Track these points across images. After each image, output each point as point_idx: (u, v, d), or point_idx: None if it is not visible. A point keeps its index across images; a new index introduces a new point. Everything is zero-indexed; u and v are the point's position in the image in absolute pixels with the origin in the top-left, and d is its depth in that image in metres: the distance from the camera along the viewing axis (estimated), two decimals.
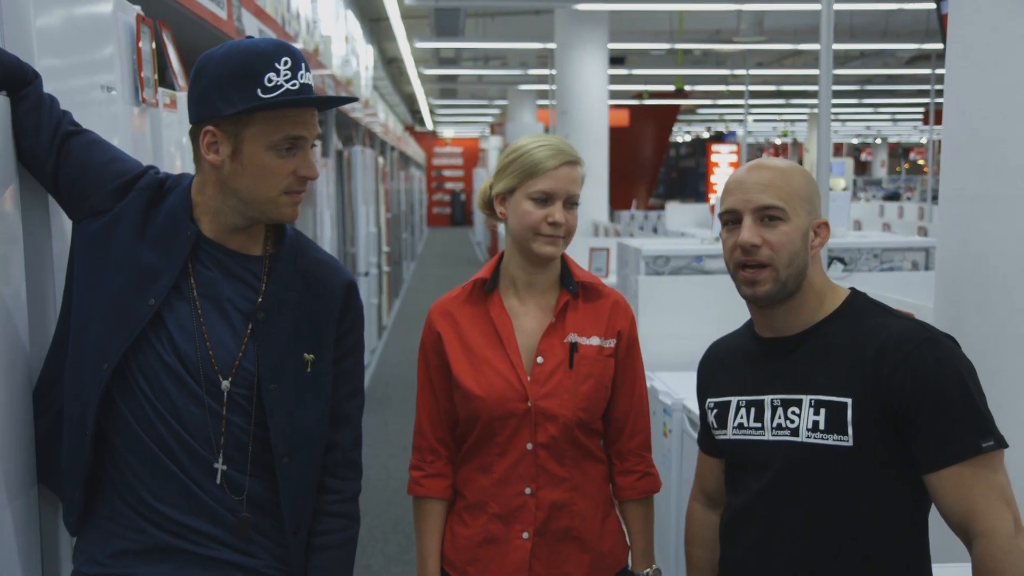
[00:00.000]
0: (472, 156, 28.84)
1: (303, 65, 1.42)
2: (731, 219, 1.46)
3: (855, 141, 30.55)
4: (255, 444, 1.45)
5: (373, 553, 4.09)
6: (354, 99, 1.68)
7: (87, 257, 1.45)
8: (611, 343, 1.74)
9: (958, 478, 1.29)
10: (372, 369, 7.92)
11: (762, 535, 1.43)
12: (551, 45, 9.42)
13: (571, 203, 1.70)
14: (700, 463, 1.65)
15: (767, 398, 1.44)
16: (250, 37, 2.30)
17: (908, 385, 1.32)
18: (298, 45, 4.71)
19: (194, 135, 1.45)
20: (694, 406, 2.76)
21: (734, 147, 20.19)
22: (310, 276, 1.52)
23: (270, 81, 1.38)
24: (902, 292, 2.48)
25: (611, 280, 4.78)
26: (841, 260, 3.80)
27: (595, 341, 1.72)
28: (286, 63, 1.39)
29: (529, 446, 1.69)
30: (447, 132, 29.46)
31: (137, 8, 2.06)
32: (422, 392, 1.80)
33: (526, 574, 1.70)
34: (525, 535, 1.70)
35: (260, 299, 1.46)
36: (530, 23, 11.36)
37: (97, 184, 1.47)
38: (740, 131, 21.24)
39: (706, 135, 27.74)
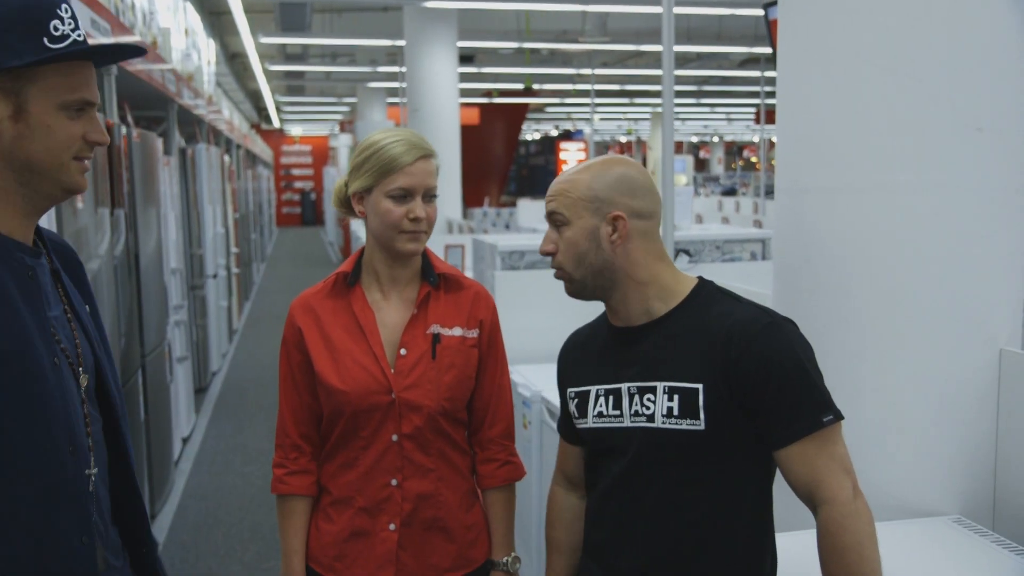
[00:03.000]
0: (322, 154, 28.26)
1: (75, 19, 1.26)
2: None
3: (694, 139, 32.02)
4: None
5: (231, 563, 3.96)
6: (142, 52, 1.42)
7: None
8: (474, 333, 1.76)
9: (803, 452, 1.38)
10: (223, 373, 7.64)
11: (622, 517, 1.49)
12: (400, 42, 9.37)
13: (430, 196, 1.71)
14: (560, 450, 1.70)
15: (624, 386, 1.49)
16: None
17: (753, 368, 1.38)
18: (134, 37, 4.48)
19: None
20: (553, 397, 2.84)
21: (582, 145, 20.77)
22: (49, 238, 1.39)
23: (56, 29, 1.21)
24: (743, 281, 2.64)
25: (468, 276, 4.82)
26: (687, 252, 3.99)
27: (457, 332, 1.74)
28: (67, 10, 1.23)
29: (394, 438, 1.69)
30: (295, 130, 28.71)
31: None
32: (284, 389, 1.78)
33: (393, 566, 1.71)
34: (392, 526, 1.70)
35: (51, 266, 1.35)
36: (379, 20, 11.26)
37: None
38: (587, 129, 21.83)
39: (555, 133, 28.32)
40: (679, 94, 18.22)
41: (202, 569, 3.91)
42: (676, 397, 1.42)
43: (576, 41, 11.01)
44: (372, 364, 1.69)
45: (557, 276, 1.54)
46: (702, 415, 1.40)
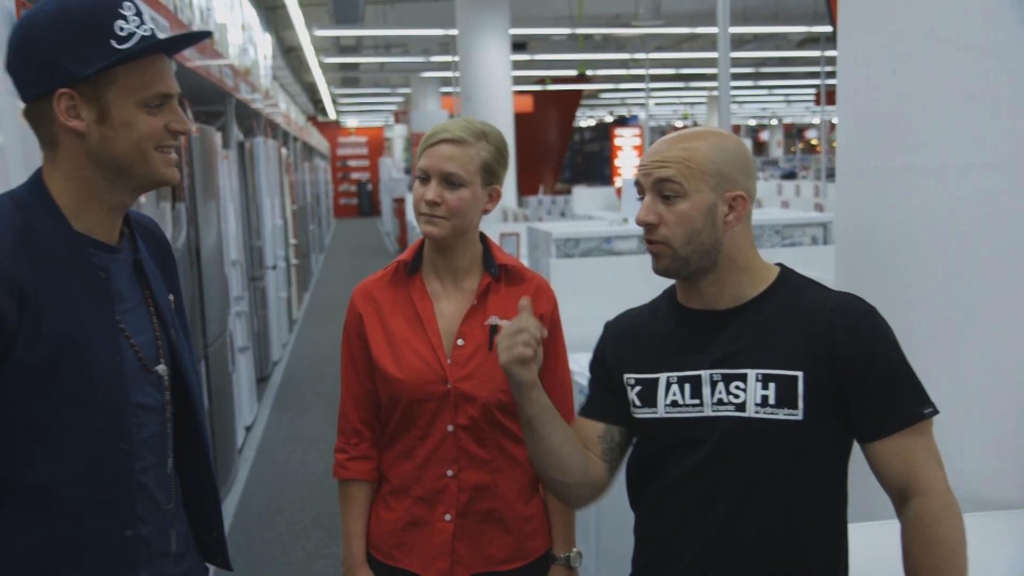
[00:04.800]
0: (377, 145, 28.50)
1: (142, 14, 1.28)
2: (640, 191, 1.44)
3: (752, 122, 31.47)
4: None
5: (294, 550, 4.03)
6: (207, 34, 1.46)
7: None
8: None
9: (901, 444, 1.34)
10: (284, 363, 7.78)
11: (691, 509, 1.42)
12: (453, 31, 9.37)
13: (448, 181, 1.67)
14: (575, 428, 1.56)
15: (704, 373, 1.40)
16: None
17: (857, 355, 1.34)
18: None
19: (39, 112, 1.26)
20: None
21: (637, 130, 20.53)
22: (139, 227, 1.44)
23: (121, 30, 1.23)
24: (804, 266, 2.57)
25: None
26: None
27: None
28: (130, 8, 1.25)
29: (450, 428, 1.69)
30: (350, 121, 29.02)
31: None
32: (346, 375, 1.79)
33: (449, 556, 1.71)
34: (447, 517, 1.70)
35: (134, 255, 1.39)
36: (431, 9, 11.29)
37: None
38: (642, 114, 21.62)
39: (609, 119, 28.10)
40: (736, 76, 17.92)
41: (266, 555, 3.99)
42: (772, 385, 1.35)
43: (630, 25, 10.88)
44: (429, 353, 1.69)
45: (653, 250, 1.42)
46: (801, 404, 1.34)
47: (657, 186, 1.40)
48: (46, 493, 1.24)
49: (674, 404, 1.43)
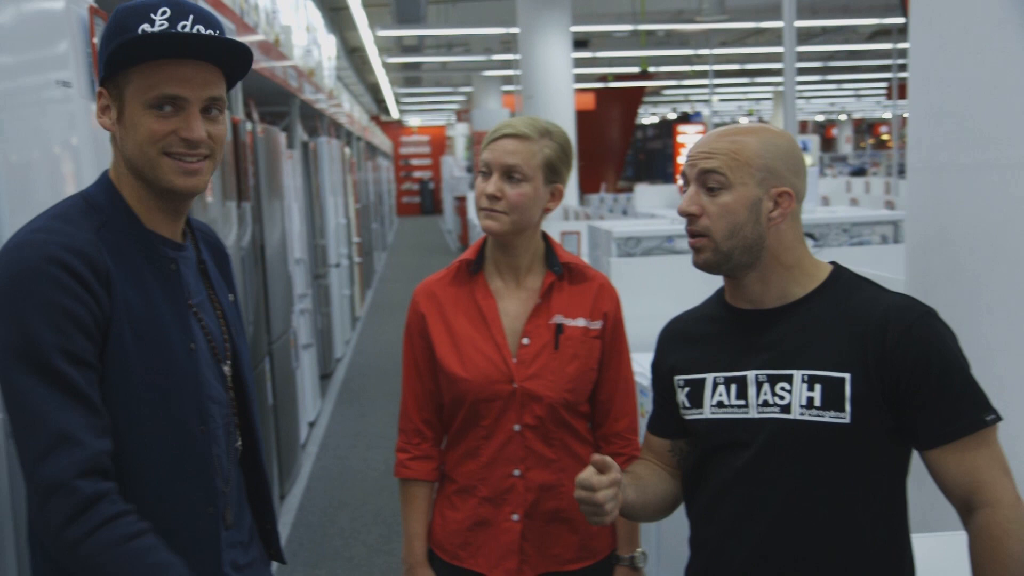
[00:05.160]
0: (439, 144, 28.71)
1: (192, 16, 1.27)
2: (685, 181, 1.42)
3: (820, 118, 30.79)
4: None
5: (355, 545, 4.08)
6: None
7: None
8: (597, 325, 1.73)
9: (962, 452, 1.29)
10: (347, 360, 7.88)
11: (739, 513, 1.39)
12: (514, 30, 9.37)
13: (509, 175, 1.67)
14: (645, 446, 1.59)
15: (750, 373, 1.38)
16: None
17: (911, 360, 1.28)
18: (258, 36, 4.64)
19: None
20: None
21: (700, 127, 20.27)
22: (197, 232, 1.48)
23: (142, 31, 1.26)
24: (873, 266, 2.50)
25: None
26: (811, 236, 3.83)
27: (581, 323, 1.71)
28: (163, 13, 1.26)
29: (516, 427, 1.69)
30: (413, 120, 29.29)
31: (90, 1, 2.01)
32: (407, 374, 1.79)
33: (517, 556, 1.70)
34: (515, 517, 1.70)
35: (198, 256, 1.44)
36: (492, 8, 11.31)
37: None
38: (706, 111, 21.33)
39: (672, 116, 27.81)
40: (803, 71, 17.56)
41: (328, 550, 4.04)
42: (818, 387, 1.32)
43: (693, 21, 10.75)
44: (494, 352, 1.69)
45: (694, 244, 1.40)
46: (848, 407, 1.30)
47: (701, 177, 1.37)
48: (136, 474, 1.28)
49: (720, 405, 1.41)
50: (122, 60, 1.27)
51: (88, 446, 1.18)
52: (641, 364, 3.14)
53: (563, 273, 1.74)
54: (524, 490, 1.70)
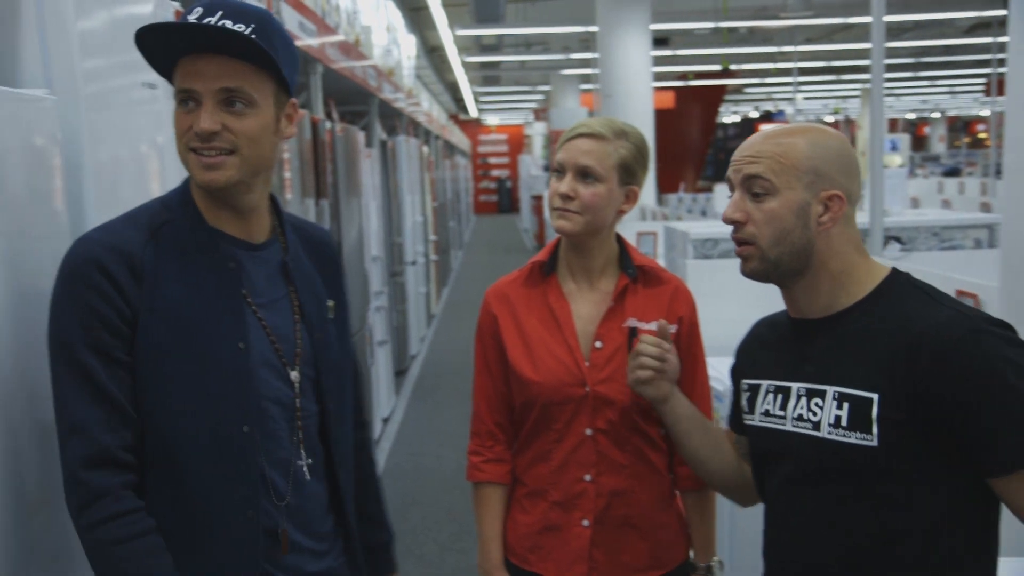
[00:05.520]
0: (517, 143, 28.79)
1: (221, 12, 1.26)
2: (730, 187, 1.36)
3: (911, 116, 29.75)
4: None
5: (426, 542, 4.10)
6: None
7: None
8: (672, 328, 1.69)
9: None
10: (422, 357, 7.96)
11: (786, 524, 1.37)
12: (593, 28, 9.31)
13: (583, 175, 1.65)
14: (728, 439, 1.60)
15: (794, 385, 1.34)
16: None
17: (948, 387, 1.19)
18: (338, 37, 4.71)
19: None
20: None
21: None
22: (304, 234, 1.49)
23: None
24: (964, 271, 2.38)
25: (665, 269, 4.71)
26: (898, 239, 3.68)
27: (655, 326, 1.68)
28: (197, 11, 1.27)
29: (588, 432, 1.67)
30: (491, 119, 29.45)
31: (176, 4, 2.06)
32: (479, 376, 1.78)
33: (586, 562, 1.69)
34: (585, 522, 1.68)
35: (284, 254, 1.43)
36: (571, 6, 11.26)
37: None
38: (789, 109, 20.84)
39: (754, 115, 27.29)
40: (893, 67, 16.99)
41: (400, 547, 4.04)
42: (846, 406, 1.26)
43: (777, 17, 10.50)
44: (566, 355, 1.67)
45: (740, 252, 1.35)
46: (874, 429, 1.23)
47: (746, 183, 1.32)
48: (175, 470, 1.30)
49: (766, 413, 1.39)
50: (150, 60, 1.30)
51: (96, 440, 1.24)
52: (717, 368, 3.07)
53: (637, 276, 1.71)
54: (595, 495, 1.68)
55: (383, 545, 1.66)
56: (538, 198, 15.66)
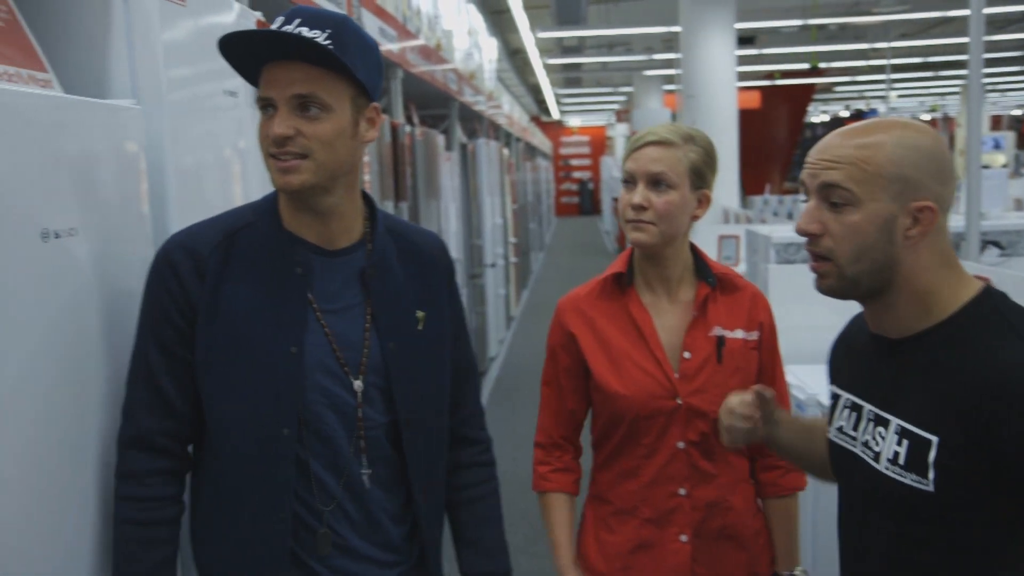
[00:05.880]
0: (599, 144, 28.65)
1: (299, 20, 1.28)
2: (805, 192, 1.21)
3: (1017, 112, 28.38)
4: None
5: None
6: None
7: None
8: (754, 335, 1.68)
9: None
10: (500, 360, 7.98)
11: (849, 549, 1.29)
12: (676, 28, 9.19)
13: (655, 184, 1.61)
14: None
15: (866, 407, 1.24)
16: None
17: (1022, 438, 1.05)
18: (418, 42, 4.76)
19: None
20: (828, 402, 2.62)
21: None
22: (404, 241, 1.47)
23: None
24: None
25: (741, 269, 4.61)
26: (997, 244, 3.51)
27: (739, 334, 1.67)
28: (279, 20, 1.30)
29: (680, 445, 1.64)
30: (573, 121, 29.38)
31: (258, 14, 2.11)
32: (548, 391, 1.77)
33: None
34: (683, 538, 1.66)
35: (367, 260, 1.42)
36: (654, 7, 11.14)
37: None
38: (882, 108, 20.15)
39: (845, 114, 26.47)
40: (997, 62, 16.25)
41: None
42: (905, 443, 1.15)
43: (870, 13, 10.16)
44: (655, 368, 1.64)
45: (815, 268, 1.22)
46: (931, 474, 1.11)
47: (823, 191, 1.18)
48: (219, 462, 1.36)
49: (840, 430, 1.30)
50: (238, 69, 1.34)
51: (138, 423, 1.35)
52: (797, 376, 2.99)
53: (716, 283, 1.69)
54: (691, 509, 1.65)
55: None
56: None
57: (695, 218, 1.67)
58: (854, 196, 1.15)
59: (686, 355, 1.64)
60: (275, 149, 1.30)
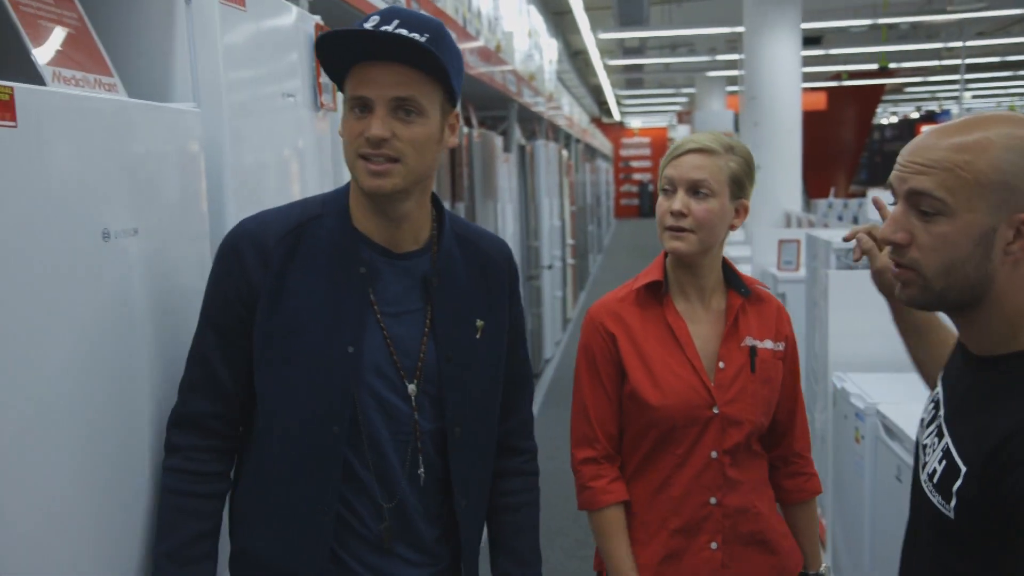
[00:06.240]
0: (660, 146, 28.41)
1: (397, 21, 1.26)
2: (893, 195, 1.11)
3: None
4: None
5: (551, 548, 4.09)
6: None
7: None
8: (780, 346, 1.71)
9: None
10: (556, 361, 7.97)
11: (909, 553, 1.23)
12: (739, 29, 9.06)
13: (695, 191, 1.60)
14: None
15: (941, 411, 1.16)
16: None
17: (1013, 499, 0.97)
18: (478, 43, 4.78)
19: None
20: (888, 411, 2.55)
21: None
22: (470, 246, 1.45)
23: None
24: None
25: (801, 274, 4.52)
26: None
27: (768, 344, 1.70)
28: (373, 19, 1.28)
29: (713, 454, 1.64)
30: (634, 122, 29.20)
31: (316, 18, 2.14)
32: (593, 398, 1.71)
33: None
34: (713, 545, 1.66)
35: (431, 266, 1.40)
36: (718, 7, 10.99)
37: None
38: (955, 109, 19.56)
39: (915, 115, 25.77)
40: None
41: None
42: (944, 464, 1.08)
43: (944, 11, 9.87)
44: (692, 377, 1.64)
45: (898, 276, 1.11)
46: (953, 501, 1.05)
47: (912, 198, 1.06)
48: (269, 448, 1.37)
49: (921, 421, 1.24)
50: (325, 66, 1.33)
51: (190, 404, 1.38)
52: (857, 385, 2.91)
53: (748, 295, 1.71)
54: (722, 517, 1.66)
55: None
56: None
57: (732, 228, 1.68)
58: (946, 206, 1.03)
59: (721, 365, 1.65)
60: (369, 150, 1.29)
